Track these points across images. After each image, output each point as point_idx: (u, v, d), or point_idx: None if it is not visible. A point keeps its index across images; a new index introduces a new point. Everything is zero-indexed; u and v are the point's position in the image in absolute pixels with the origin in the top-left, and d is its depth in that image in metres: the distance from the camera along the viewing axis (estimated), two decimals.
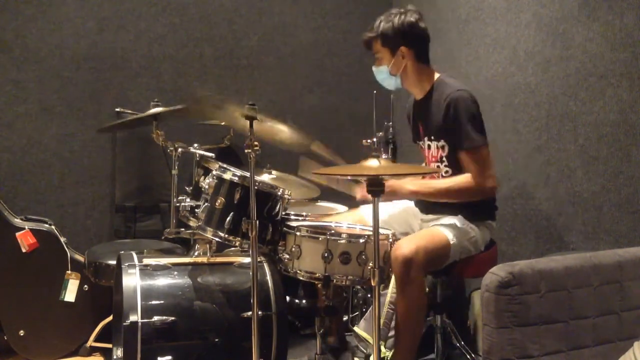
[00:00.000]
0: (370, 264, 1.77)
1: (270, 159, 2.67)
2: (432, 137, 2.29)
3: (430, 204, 2.40)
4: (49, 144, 3.08)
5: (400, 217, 2.41)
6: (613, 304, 1.62)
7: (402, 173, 1.98)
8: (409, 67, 2.28)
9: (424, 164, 2.44)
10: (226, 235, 2.06)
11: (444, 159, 2.27)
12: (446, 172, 2.27)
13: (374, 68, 2.35)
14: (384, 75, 2.31)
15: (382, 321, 2.15)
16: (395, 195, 2.20)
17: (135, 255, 2.17)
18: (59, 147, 3.10)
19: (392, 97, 3.43)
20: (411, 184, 2.21)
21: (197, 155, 2.29)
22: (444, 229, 2.15)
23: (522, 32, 2.74)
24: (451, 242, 2.11)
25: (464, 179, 2.17)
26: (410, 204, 2.51)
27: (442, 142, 2.26)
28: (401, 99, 3.16)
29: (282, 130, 2.12)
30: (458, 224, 2.20)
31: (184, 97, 3.26)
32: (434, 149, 2.30)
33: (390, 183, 2.16)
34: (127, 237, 3.13)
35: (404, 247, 1.98)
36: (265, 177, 2.68)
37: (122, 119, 3.12)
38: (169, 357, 1.98)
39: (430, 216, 2.36)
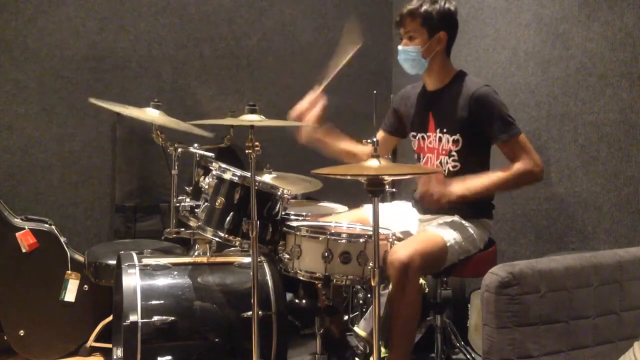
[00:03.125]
0: (370, 264, 1.77)
1: (270, 159, 2.67)
2: (445, 130, 2.25)
3: (427, 207, 2.39)
4: (49, 144, 3.08)
5: (399, 217, 2.41)
6: (613, 304, 1.62)
7: (402, 173, 1.98)
8: (439, 54, 2.26)
9: (416, 157, 2.43)
10: (226, 235, 2.06)
11: (454, 153, 2.24)
12: (454, 166, 2.26)
13: (400, 47, 2.27)
14: (412, 55, 2.24)
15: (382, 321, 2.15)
16: (442, 201, 2.11)
17: (135, 255, 2.18)
18: (59, 147, 3.10)
19: (392, 97, 3.43)
20: (460, 188, 2.12)
21: (197, 155, 2.29)
22: (441, 231, 2.14)
23: (522, 32, 2.74)
24: (448, 245, 2.10)
25: (506, 171, 2.15)
26: (408, 204, 2.51)
27: (457, 136, 2.22)
28: None
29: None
30: (455, 224, 2.20)
31: None
32: (444, 142, 2.26)
33: (437, 190, 2.09)
34: (127, 237, 3.13)
35: (400, 252, 1.97)
36: (266, 177, 2.68)
37: (122, 119, 3.12)
38: (169, 357, 1.98)
39: (428, 216, 2.36)
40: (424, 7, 2.21)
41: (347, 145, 2.53)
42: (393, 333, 2.05)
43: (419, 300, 2.04)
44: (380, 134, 2.56)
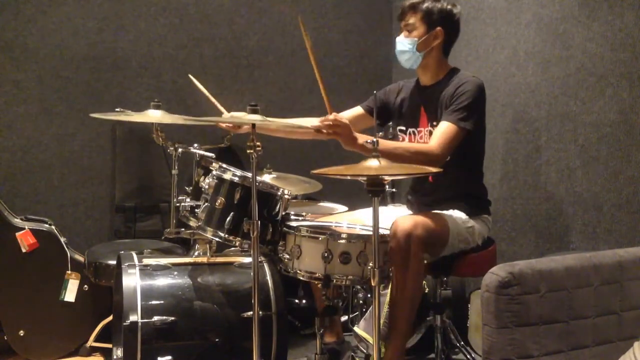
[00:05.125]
0: (370, 264, 1.77)
1: (270, 159, 2.67)
2: (435, 123, 2.27)
3: (423, 207, 2.39)
4: (49, 144, 3.08)
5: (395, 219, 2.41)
6: (613, 304, 1.62)
7: (402, 173, 1.98)
8: (435, 50, 2.30)
9: None
10: (226, 235, 2.06)
11: None
12: None
13: (398, 38, 2.32)
14: (408, 47, 2.28)
15: (382, 321, 2.14)
16: (343, 140, 2.08)
17: (135, 255, 2.18)
18: (59, 147, 3.10)
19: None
20: (362, 139, 2.08)
21: (197, 155, 2.28)
22: (442, 212, 2.17)
23: (522, 32, 2.74)
24: (450, 224, 2.11)
25: (425, 145, 2.17)
26: (403, 207, 2.51)
27: None
28: None
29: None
30: (454, 214, 2.21)
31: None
32: None
33: (346, 133, 2.06)
34: (127, 237, 3.13)
35: (404, 222, 1.98)
36: (266, 177, 2.68)
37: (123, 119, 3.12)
38: (169, 357, 1.98)
39: None
40: (426, 4, 2.27)
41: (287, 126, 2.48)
42: (394, 309, 2.03)
43: (421, 271, 2.02)
44: (356, 110, 2.52)
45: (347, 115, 2.42)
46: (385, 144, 2.10)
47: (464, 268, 2.23)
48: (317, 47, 3.64)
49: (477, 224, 2.23)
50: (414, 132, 2.38)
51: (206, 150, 2.45)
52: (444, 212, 2.19)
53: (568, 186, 2.49)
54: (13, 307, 2.64)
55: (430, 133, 2.29)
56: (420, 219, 2.03)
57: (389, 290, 2.14)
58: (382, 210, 2.55)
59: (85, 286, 2.74)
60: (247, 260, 2.25)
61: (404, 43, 2.30)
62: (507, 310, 1.47)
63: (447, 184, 2.26)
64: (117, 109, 3.12)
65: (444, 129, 2.16)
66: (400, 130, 2.43)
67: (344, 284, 2.01)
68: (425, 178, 2.34)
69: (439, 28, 2.27)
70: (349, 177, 1.75)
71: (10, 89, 3.01)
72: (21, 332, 2.63)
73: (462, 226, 2.17)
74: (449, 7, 2.29)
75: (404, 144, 2.28)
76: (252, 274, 1.87)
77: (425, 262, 2.08)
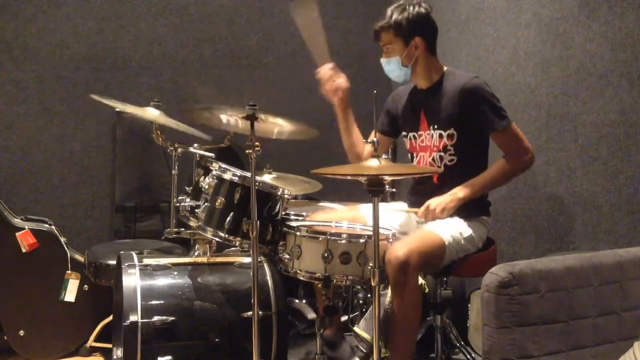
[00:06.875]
0: (370, 264, 1.77)
1: (270, 159, 2.67)
2: (437, 126, 2.28)
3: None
4: (49, 144, 3.08)
5: (397, 218, 2.41)
6: (613, 304, 1.62)
7: (402, 173, 1.98)
8: (420, 58, 2.29)
9: (410, 156, 2.45)
10: (226, 235, 2.06)
11: (450, 147, 2.26)
12: (450, 160, 2.27)
13: (383, 60, 2.32)
14: (394, 66, 2.29)
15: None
16: (447, 210, 2.19)
17: (135, 255, 2.17)
18: (59, 147, 3.10)
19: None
20: (460, 192, 2.19)
21: (197, 155, 2.28)
22: (438, 230, 2.15)
23: (522, 32, 2.74)
24: (446, 243, 2.11)
25: (502, 163, 2.24)
26: (404, 205, 2.51)
27: (451, 131, 2.24)
28: None
29: (280, 126, 2.13)
30: (453, 223, 2.20)
31: (184, 99, 3.27)
32: (436, 138, 2.28)
33: (439, 202, 2.17)
34: (127, 237, 3.13)
35: (398, 251, 1.97)
36: (266, 177, 2.68)
37: (122, 119, 3.12)
38: (169, 357, 1.98)
39: None
40: (394, 17, 2.24)
41: (357, 136, 2.54)
42: (394, 333, 2.05)
43: (418, 298, 2.04)
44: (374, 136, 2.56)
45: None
46: (480, 185, 2.21)
47: (464, 268, 2.23)
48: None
49: (475, 229, 2.23)
50: (414, 135, 2.38)
51: (206, 150, 2.45)
52: (441, 229, 2.17)
53: (568, 186, 2.50)
54: (13, 307, 2.65)
55: (432, 136, 2.30)
56: (415, 244, 2.02)
57: (388, 290, 2.14)
58: (382, 206, 2.56)
59: (85, 286, 2.74)
60: (247, 260, 2.25)
61: (388, 63, 2.31)
62: (507, 310, 1.47)
63: (450, 184, 2.26)
64: (117, 109, 3.12)
65: (511, 136, 2.21)
66: (404, 136, 2.44)
67: (344, 284, 2.01)
68: (428, 178, 2.34)
69: (416, 38, 2.25)
70: (349, 177, 1.75)
71: (10, 89, 3.01)
72: (21, 332, 2.64)
73: (460, 238, 2.16)
74: (416, 10, 2.25)
75: (497, 172, 2.25)
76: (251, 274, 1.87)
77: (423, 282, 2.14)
